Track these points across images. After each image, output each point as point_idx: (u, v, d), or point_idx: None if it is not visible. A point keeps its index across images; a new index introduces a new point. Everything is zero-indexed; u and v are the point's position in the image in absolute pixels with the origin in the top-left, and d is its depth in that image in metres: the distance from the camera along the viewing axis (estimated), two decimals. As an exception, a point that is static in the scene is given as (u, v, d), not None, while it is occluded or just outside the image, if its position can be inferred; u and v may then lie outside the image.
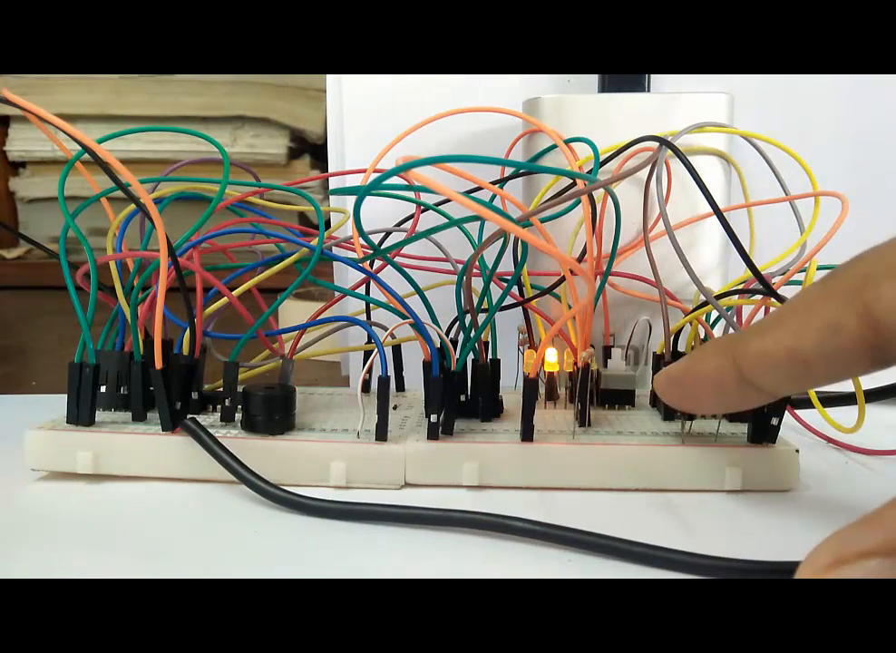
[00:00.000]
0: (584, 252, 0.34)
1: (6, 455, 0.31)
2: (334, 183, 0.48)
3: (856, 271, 0.19)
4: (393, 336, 0.35)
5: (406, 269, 0.34)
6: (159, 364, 0.29)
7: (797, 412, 0.36)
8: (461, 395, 0.32)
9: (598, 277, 0.35)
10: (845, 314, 0.19)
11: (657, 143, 0.33)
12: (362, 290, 0.36)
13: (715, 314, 0.35)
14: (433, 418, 0.29)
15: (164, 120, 1.19)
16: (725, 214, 0.31)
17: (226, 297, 0.32)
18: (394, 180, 0.26)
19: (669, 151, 0.32)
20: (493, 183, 0.35)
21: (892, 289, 0.18)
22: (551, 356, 0.34)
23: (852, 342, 0.19)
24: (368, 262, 0.35)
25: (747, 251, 0.30)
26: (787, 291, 0.30)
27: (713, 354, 0.24)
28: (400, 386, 0.38)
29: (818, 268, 0.30)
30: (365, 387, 0.34)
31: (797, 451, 0.29)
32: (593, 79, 0.41)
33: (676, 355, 0.34)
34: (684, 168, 0.31)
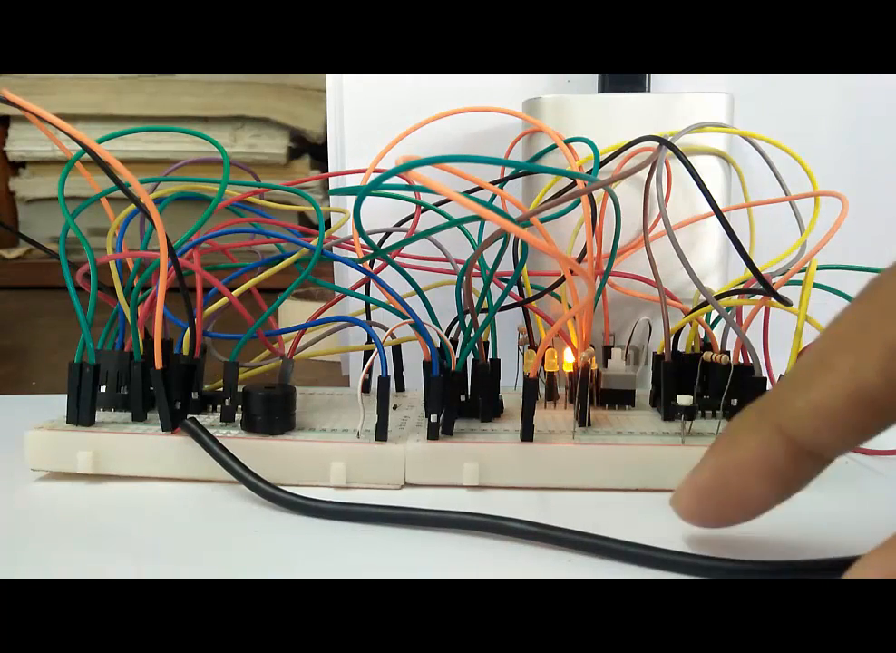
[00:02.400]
0: (584, 252, 0.34)
1: (6, 455, 0.31)
2: (334, 183, 0.49)
3: (891, 287, 0.17)
4: (393, 336, 0.35)
5: (406, 269, 0.34)
6: (159, 364, 0.29)
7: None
8: (461, 395, 0.32)
9: (599, 277, 0.35)
10: None
11: (657, 143, 0.33)
12: (362, 290, 0.36)
13: (715, 314, 0.35)
14: (433, 418, 0.29)
15: (164, 120, 1.19)
16: (725, 214, 0.31)
17: (226, 297, 0.32)
18: (394, 180, 0.26)
19: (669, 151, 0.32)
20: (493, 183, 0.35)
21: None
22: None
23: None
24: (368, 262, 0.35)
25: (747, 251, 0.30)
26: (787, 291, 0.30)
27: (748, 433, 0.19)
28: (400, 386, 0.38)
29: (818, 268, 0.30)
30: (365, 387, 0.34)
31: (797, 451, 0.29)
32: (593, 79, 0.41)
33: (676, 356, 0.34)
34: (684, 168, 0.31)
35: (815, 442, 0.18)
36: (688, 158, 0.31)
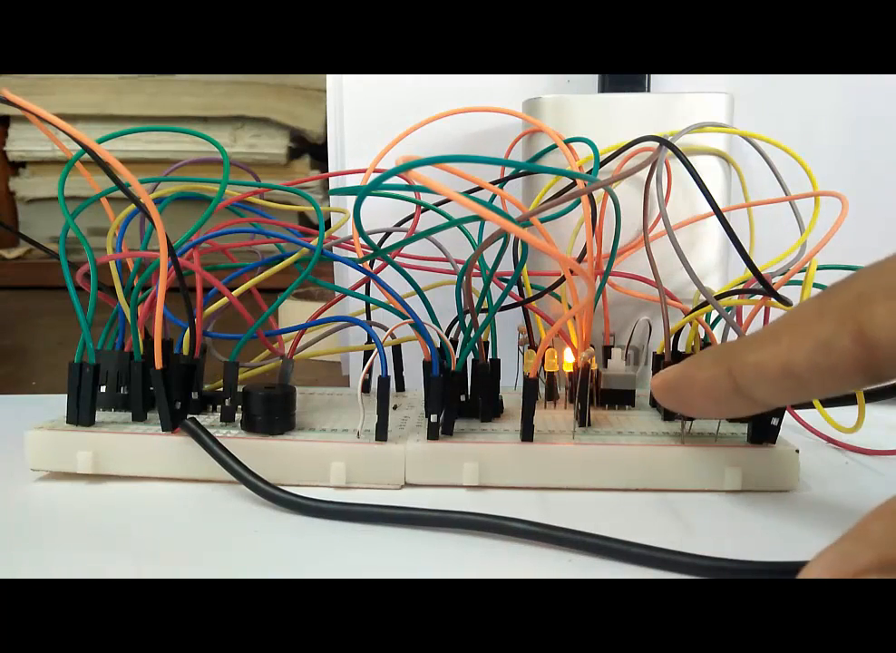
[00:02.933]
0: (584, 252, 0.34)
1: (6, 455, 0.31)
2: (334, 183, 0.48)
3: (851, 290, 0.20)
4: (393, 336, 0.35)
5: (406, 269, 0.34)
6: (159, 364, 0.29)
7: (797, 412, 0.36)
8: (461, 395, 0.32)
9: (599, 277, 0.35)
10: (839, 333, 0.19)
11: (657, 143, 0.33)
12: (362, 290, 0.36)
13: (715, 314, 0.35)
14: (433, 418, 0.29)
15: (164, 120, 1.19)
16: (725, 214, 0.31)
17: (226, 297, 0.32)
18: (394, 180, 0.26)
19: (669, 151, 0.32)
20: (493, 183, 0.35)
21: (886, 310, 0.18)
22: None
23: (845, 360, 0.19)
24: (368, 262, 0.35)
25: (747, 251, 0.30)
26: (787, 291, 0.30)
27: (710, 363, 0.24)
28: (400, 386, 0.38)
29: (818, 268, 0.30)
30: (365, 387, 0.34)
31: (797, 451, 0.29)
32: (593, 79, 0.41)
33: (677, 356, 0.34)
34: (684, 168, 0.31)
35: (751, 391, 0.22)
36: (688, 158, 0.31)
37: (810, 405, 0.34)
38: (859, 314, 0.19)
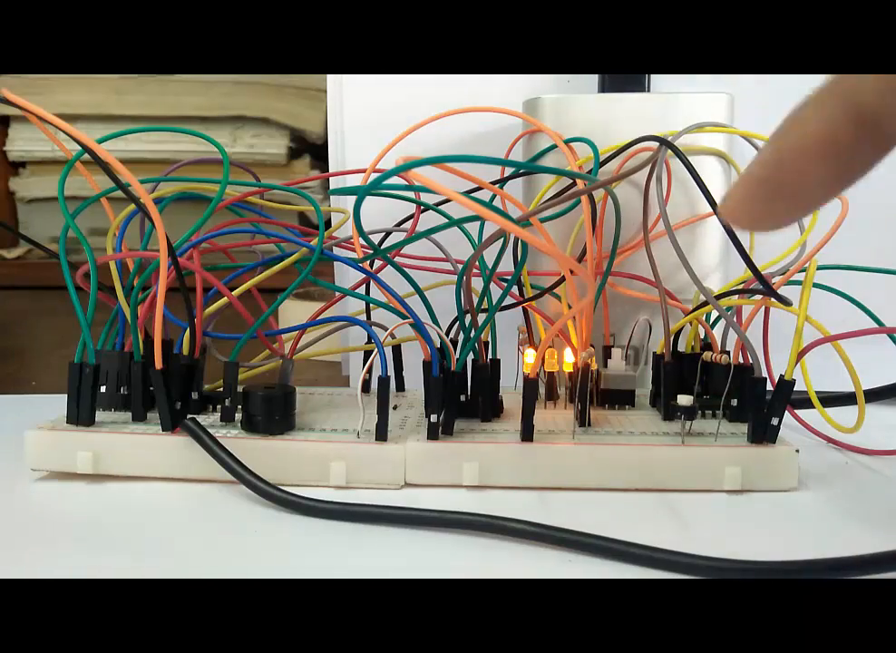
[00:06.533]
0: (584, 252, 0.34)
1: (6, 455, 0.31)
2: (334, 183, 0.48)
3: None
4: (393, 336, 0.35)
5: (406, 269, 0.34)
6: (159, 364, 0.29)
7: (797, 412, 0.36)
8: (461, 395, 0.32)
9: (599, 277, 0.35)
10: None
11: (657, 143, 0.33)
12: (362, 290, 0.36)
13: (715, 314, 0.35)
14: (433, 418, 0.29)
15: (164, 120, 1.19)
16: (725, 214, 0.31)
17: (226, 297, 0.32)
18: (395, 179, 0.26)
19: (669, 151, 0.32)
20: (493, 183, 0.35)
21: None
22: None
23: None
24: (368, 262, 0.35)
25: (747, 251, 0.30)
26: (787, 291, 0.30)
27: (818, 110, 0.18)
28: (400, 386, 0.38)
29: (818, 268, 0.30)
30: (365, 387, 0.34)
31: (797, 451, 0.29)
32: (593, 79, 0.41)
33: (677, 356, 0.34)
34: (684, 168, 0.31)
35: (884, 112, 0.17)
36: (688, 158, 0.31)
37: (810, 405, 0.34)
38: None
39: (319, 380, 0.52)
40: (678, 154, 0.31)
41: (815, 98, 0.18)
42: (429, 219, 0.34)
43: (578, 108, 0.39)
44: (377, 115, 0.44)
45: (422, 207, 0.36)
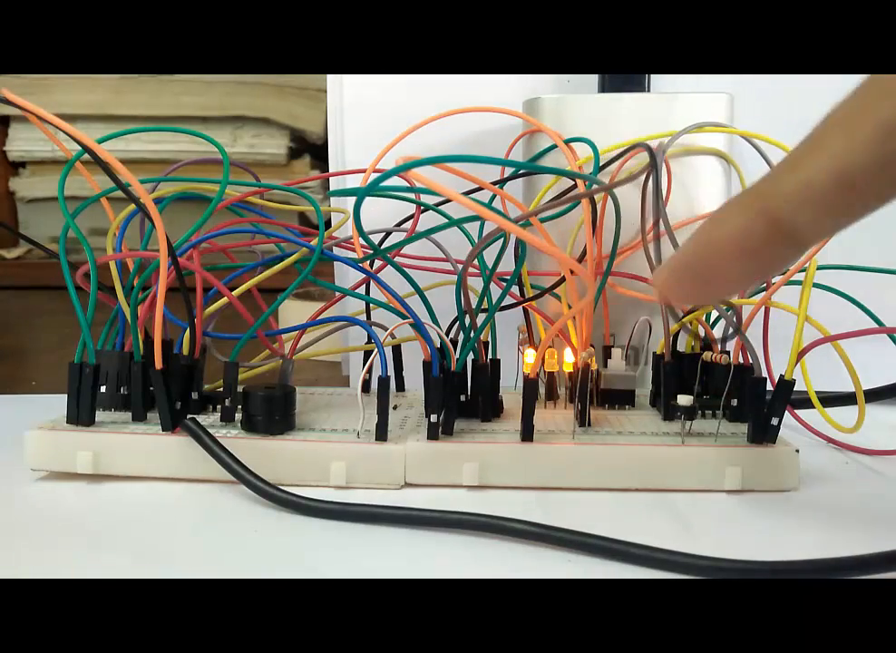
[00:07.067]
0: (584, 252, 0.34)
1: (6, 455, 0.31)
2: (334, 183, 0.48)
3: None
4: (393, 336, 0.35)
5: (406, 269, 0.34)
6: (159, 364, 0.29)
7: (797, 412, 0.36)
8: (461, 395, 0.32)
9: (598, 277, 0.35)
10: None
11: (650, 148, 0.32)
12: (362, 290, 0.36)
13: (715, 314, 0.35)
14: (433, 418, 0.29)
15: (164, 120, 1.19)
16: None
17: (226, 297, 0.32)
18: (395, 180, 0.26)
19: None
20: (493, 183, 0.35)
21: None
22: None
23: None
24: (368, 262, 0.35)
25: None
26: (787, 291, 0.31)
27: (736, 213, 0.19)
28: (400, 386, 0.38)
29: (818, 268, 0.30)
30: (365, 387, 0.34)
31: (797, 451, 0.29)
32: (593, 79, 0.41)
33: (677, 356, 0.34)
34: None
35: (796, 221, 0.18)
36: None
37: (810, 405, 0.34)
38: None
39: (319, 380, 0.52)
40: (658, 167, 0.31)
41: (736, 200, 0.19)
42: (429, 220, 0.34)
43: (578, 108, 0.39)
44: (377, 115, 0.44)
45: (422, 207, 0.36)
